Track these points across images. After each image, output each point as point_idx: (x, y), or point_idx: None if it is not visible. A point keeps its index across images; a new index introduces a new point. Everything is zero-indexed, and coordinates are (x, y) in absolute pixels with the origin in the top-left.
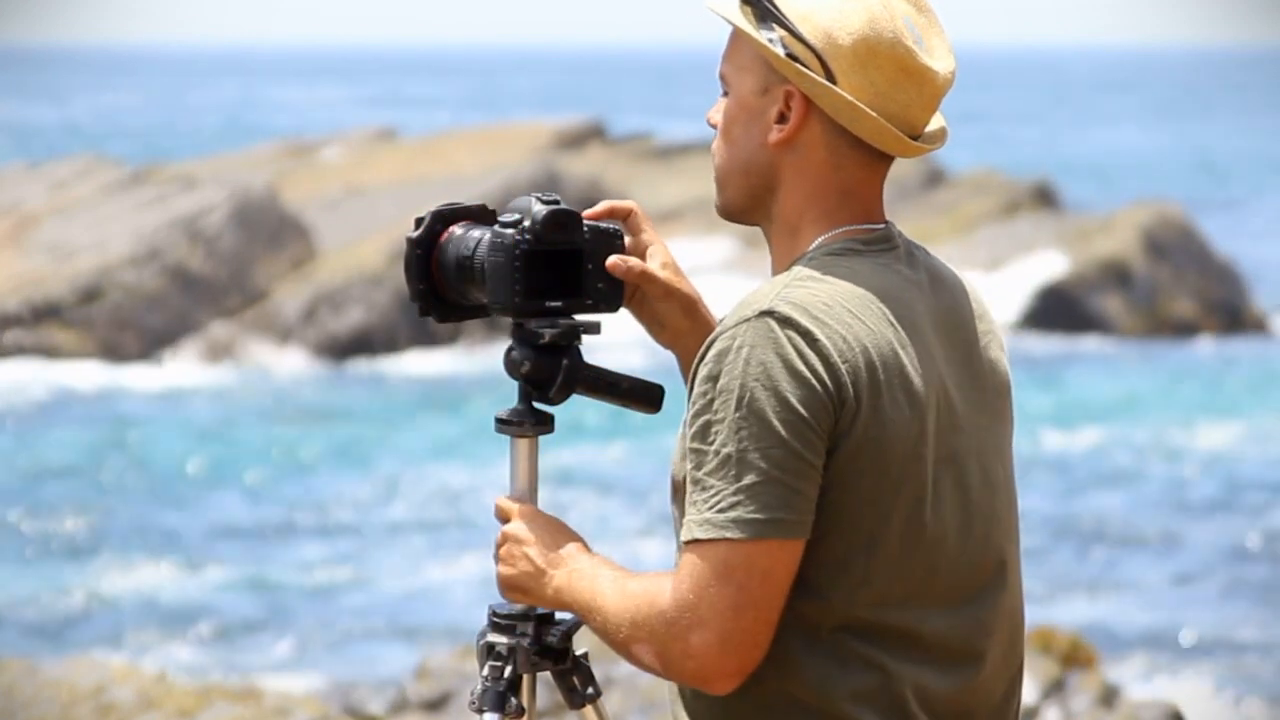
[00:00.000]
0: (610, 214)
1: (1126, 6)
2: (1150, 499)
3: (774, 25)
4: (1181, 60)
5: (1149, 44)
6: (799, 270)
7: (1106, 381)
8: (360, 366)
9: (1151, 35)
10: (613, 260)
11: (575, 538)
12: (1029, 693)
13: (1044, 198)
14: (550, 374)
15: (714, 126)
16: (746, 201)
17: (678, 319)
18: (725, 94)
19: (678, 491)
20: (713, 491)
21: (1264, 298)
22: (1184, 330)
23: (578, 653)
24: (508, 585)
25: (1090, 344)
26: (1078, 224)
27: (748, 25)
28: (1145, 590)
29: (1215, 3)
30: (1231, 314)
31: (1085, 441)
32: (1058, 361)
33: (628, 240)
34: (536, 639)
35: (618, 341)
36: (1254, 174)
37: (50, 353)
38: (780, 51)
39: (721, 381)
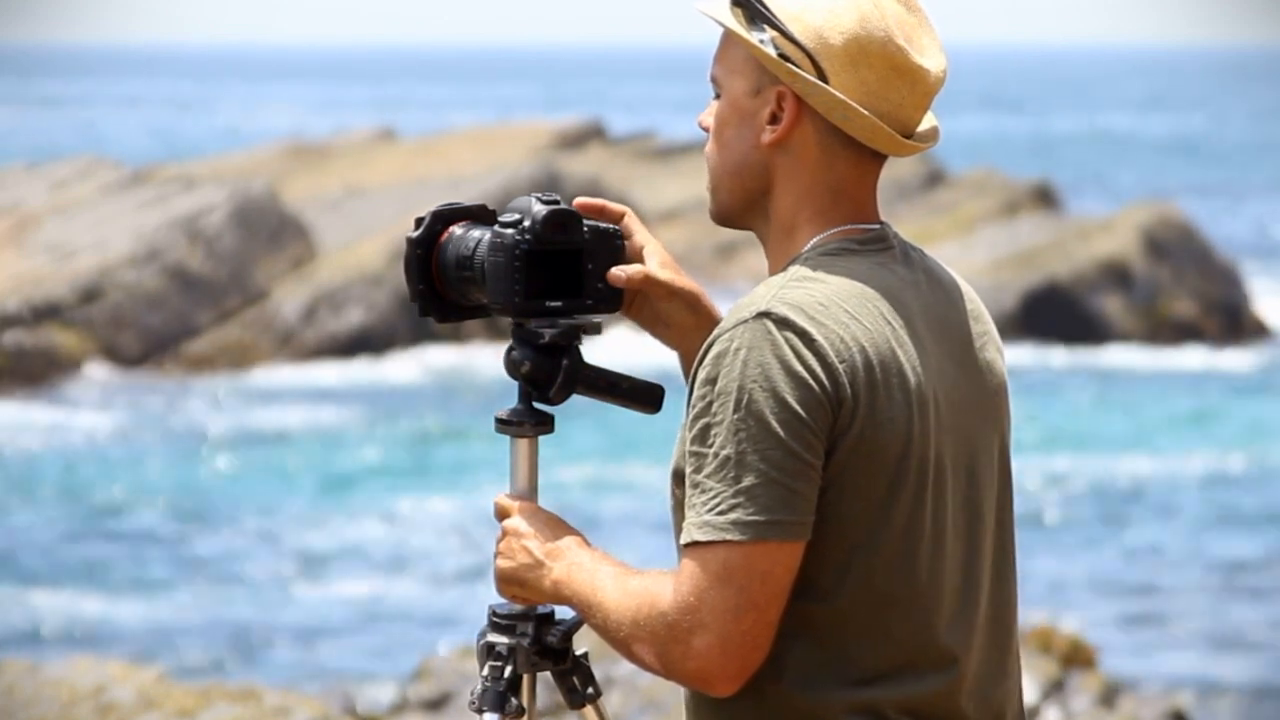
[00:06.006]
0: (601, 214)
1: (1128, 7)
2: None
3: (765, 26)
4: (1182, 58)
5: (1148, 43)
6: (795, 270)
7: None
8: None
9: (1150, 34)
10: (613, 272)
11: (575, 532)
12: (1029, 693)
13: (1044, 198)
14: (550, 374)
15: (705, 129)
16: (741, 204)
17: (683, 316)
18: (717, 96)
19: (676, 492)
20: (712, 494)
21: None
22: (1184, 331)
23: (578, 653)
24: (505, 578)
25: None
26: (1078, 224)
27: (739, 27)
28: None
29: (1217, 3)
30: (1232, 314)
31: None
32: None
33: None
34: (536, 639)
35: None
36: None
37: (53, 353)
38: (772, 52)
39: (720, 384)
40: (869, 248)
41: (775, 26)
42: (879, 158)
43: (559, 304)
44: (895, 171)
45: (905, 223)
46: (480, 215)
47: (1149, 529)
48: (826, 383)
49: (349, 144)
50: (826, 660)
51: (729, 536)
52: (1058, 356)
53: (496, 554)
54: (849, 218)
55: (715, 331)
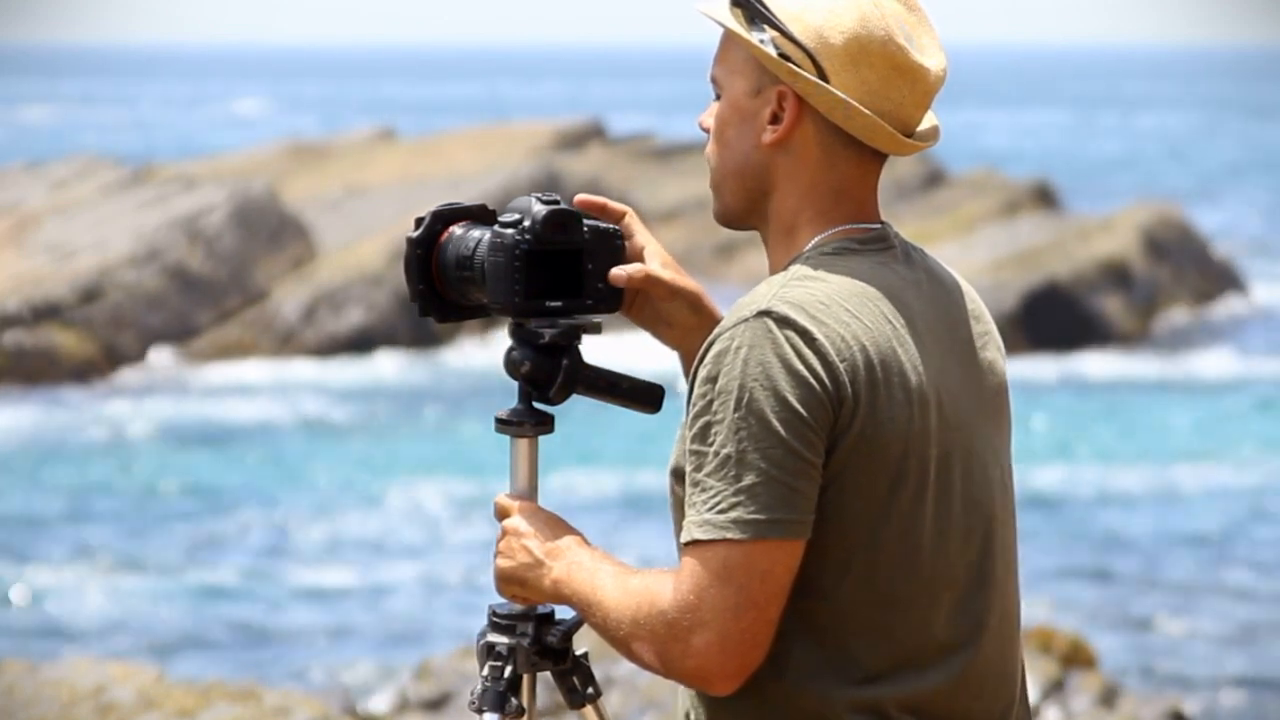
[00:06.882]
0: (603, 213)
1: (1128, 7)
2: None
3: (765, 26)
4: (1182, 58)
5: (1148, 43)
6: (796, 269)
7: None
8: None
9: (1150, 34)
10: (614, 272)
11: (575, 532)
12: (1029, 693)
13: (1044, 198)
14: (550, 374)
15: (706, 130)
16: (744, 205)
17: (685, 315)
18: (717, 97)
19: (676, 490)
20: (713, 492)
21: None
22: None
23: (578, 653)
24: (505, 578)
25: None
26: (1078, 224)
27: (739, 27)
28: None
29: (1217, 3)
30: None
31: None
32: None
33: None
34: (536, 639)
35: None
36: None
37: (53, 353)
38: (772, 52)
39: (720, 382)
40: (870, 247)
41: (775, 26)
42: (880, 157)
43: (559, 304)
44: (895, 171)
45: (905, 223)
46: (480, 215)
47: (1149, 529)
48: (827, 381)
49: (349, 144)
50: (828, 659)
51: (729, 535)
52: (1057, 356)
53: (497, 553)
54: (850, 217)
55: (716, 330)
